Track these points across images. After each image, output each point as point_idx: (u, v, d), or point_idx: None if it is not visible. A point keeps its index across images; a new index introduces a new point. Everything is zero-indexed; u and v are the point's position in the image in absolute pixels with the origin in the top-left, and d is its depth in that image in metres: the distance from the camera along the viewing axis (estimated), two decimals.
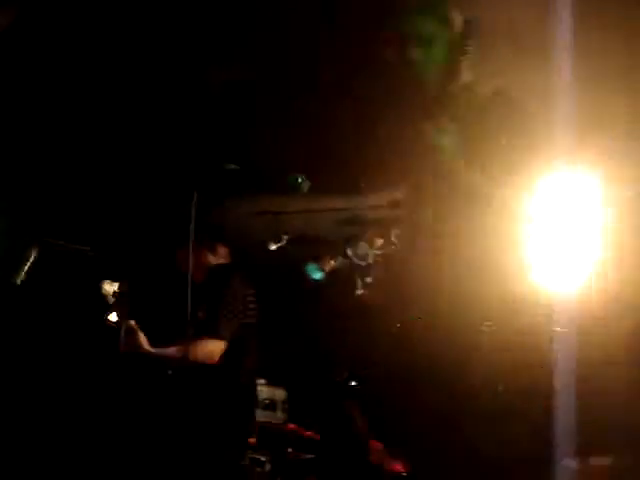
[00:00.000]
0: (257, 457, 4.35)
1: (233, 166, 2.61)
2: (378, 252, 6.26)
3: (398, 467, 5.43)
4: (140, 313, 3.71)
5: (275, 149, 4.61)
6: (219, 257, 4.17)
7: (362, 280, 6.58)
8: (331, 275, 6.43)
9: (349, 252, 6.34)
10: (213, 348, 3.71)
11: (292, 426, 5.24)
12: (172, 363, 3.68)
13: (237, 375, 3.94)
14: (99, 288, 3.67)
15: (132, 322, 3.60)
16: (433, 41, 1.99)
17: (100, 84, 4.29)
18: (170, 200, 4.83)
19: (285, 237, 6.22)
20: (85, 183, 5.25)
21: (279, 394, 5.32)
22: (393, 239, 6.05)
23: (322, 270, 6.47)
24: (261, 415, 4.90)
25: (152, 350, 3.63)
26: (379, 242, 6.17)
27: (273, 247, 6.24)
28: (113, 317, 3.66)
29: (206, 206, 3.25)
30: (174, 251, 3.88)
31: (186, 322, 3.18)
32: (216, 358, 3.72)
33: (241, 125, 4.46)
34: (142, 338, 3.59)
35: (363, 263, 6.29)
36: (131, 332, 3.58)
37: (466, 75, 2.27)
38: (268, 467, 4.75)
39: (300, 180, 2.64)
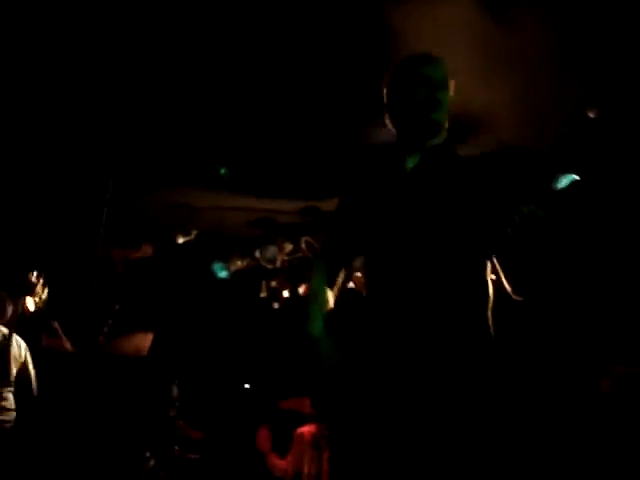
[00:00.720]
0: (141, 452, 4.28)
1: (155, 147, 2.54)
2: (286, 257, 6.27)
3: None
4: (62, 303, 3.63)
5: (198, 138, 4.54)
6: (143, 252, 4.15)
7: (267, 284, 6.57)
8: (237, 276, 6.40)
9: (257, 254, 6.31)
10: (143, 342, 3.70)
11: (181, 423, 5.14)
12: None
13: (155, 370, 3.93)
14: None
15: (55, 323, 3.55)
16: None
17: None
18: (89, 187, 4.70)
19: (194, 232, 6.12)
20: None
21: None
22: (303, 246, 6.06)
23: (228, 270, 6.42)
24: None
25: (73, 350, 3.57)
26: (289, 247, 6.17)
27: (181, 241, 6.13)
28: (30, 305, 3.58)
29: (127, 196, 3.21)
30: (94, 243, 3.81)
31: (105, 312, 3.15)
32: (145, 352, 3.70)
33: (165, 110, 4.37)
34: (64, 339, 3.54)
35: (270, 267, 6.28)
36: (54, 334, 3.53)
37: None
38: (152, 462, 4.66)
39: (223, 171, 2.59)
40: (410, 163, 2.33)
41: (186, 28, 3.64)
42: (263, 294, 6.60)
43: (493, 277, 2.26)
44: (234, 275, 6.45)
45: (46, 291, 3.78)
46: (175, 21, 3.61)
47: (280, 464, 5.37)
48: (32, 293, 3.73)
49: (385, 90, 2.40)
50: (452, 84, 2.34)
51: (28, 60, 3.91)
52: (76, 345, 3.55)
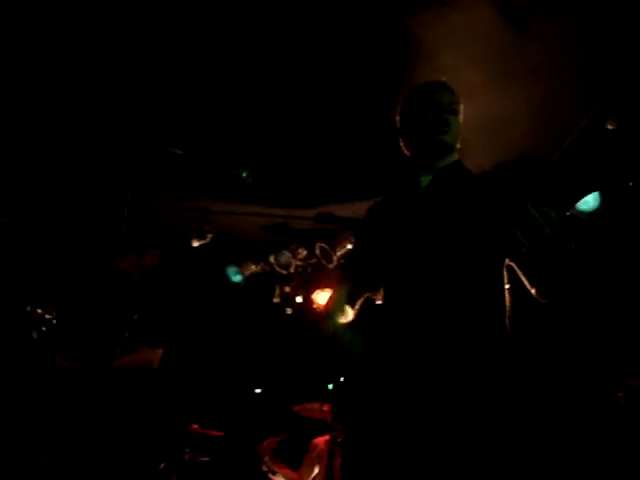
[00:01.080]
0: (152, 455, 4.29)
1: (178, 151, 2.55)
2: (300, 263, 6.27)
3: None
4: (75, 319, 3.67)
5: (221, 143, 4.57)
6: (152, 259, 4.18)
7: (281, 289, 6.58)
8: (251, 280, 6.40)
9: (271, 259, 6.32)
10: (152, 357, 3.74)
11: (195, 426, 5.15)
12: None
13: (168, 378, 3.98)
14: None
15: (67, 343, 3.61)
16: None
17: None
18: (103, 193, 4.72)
19: (209, 236, 6.13)
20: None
21: None
22: (317, 252, 6.06)
23: (242, 274, 6.43)
24: None
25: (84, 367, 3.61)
26: (303, 253, 6.18)
27: (196, 244, 6.14)
28: (34, 334, 3.61)
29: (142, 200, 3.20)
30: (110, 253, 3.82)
31: (122, 324, 3.18)
32: (156, 366, 3.75)
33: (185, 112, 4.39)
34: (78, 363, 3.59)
35: (284, 272, 6.28)
36: (67, 353, 3.58)
37: None
38: (163, 465, 4.68)
39: (245, 174, 2.60)
40: (424, 181, 2.47)
41: (217, 37, 3.69)
42: (276, 299, 6.60)
43: (508, 286, 2.29)
44: (248, 280, 6.46)
45: (54, 315, 3.78)
46: (207, 30, 3.66)
47: (289, 474, 5.33)
48: (35, 325, 3.74)
49: (398, 117, 2.57)
50: (462, 109, 2.47)
51: (48, 63, 3.95)
52: (87, 362, 3.58)
